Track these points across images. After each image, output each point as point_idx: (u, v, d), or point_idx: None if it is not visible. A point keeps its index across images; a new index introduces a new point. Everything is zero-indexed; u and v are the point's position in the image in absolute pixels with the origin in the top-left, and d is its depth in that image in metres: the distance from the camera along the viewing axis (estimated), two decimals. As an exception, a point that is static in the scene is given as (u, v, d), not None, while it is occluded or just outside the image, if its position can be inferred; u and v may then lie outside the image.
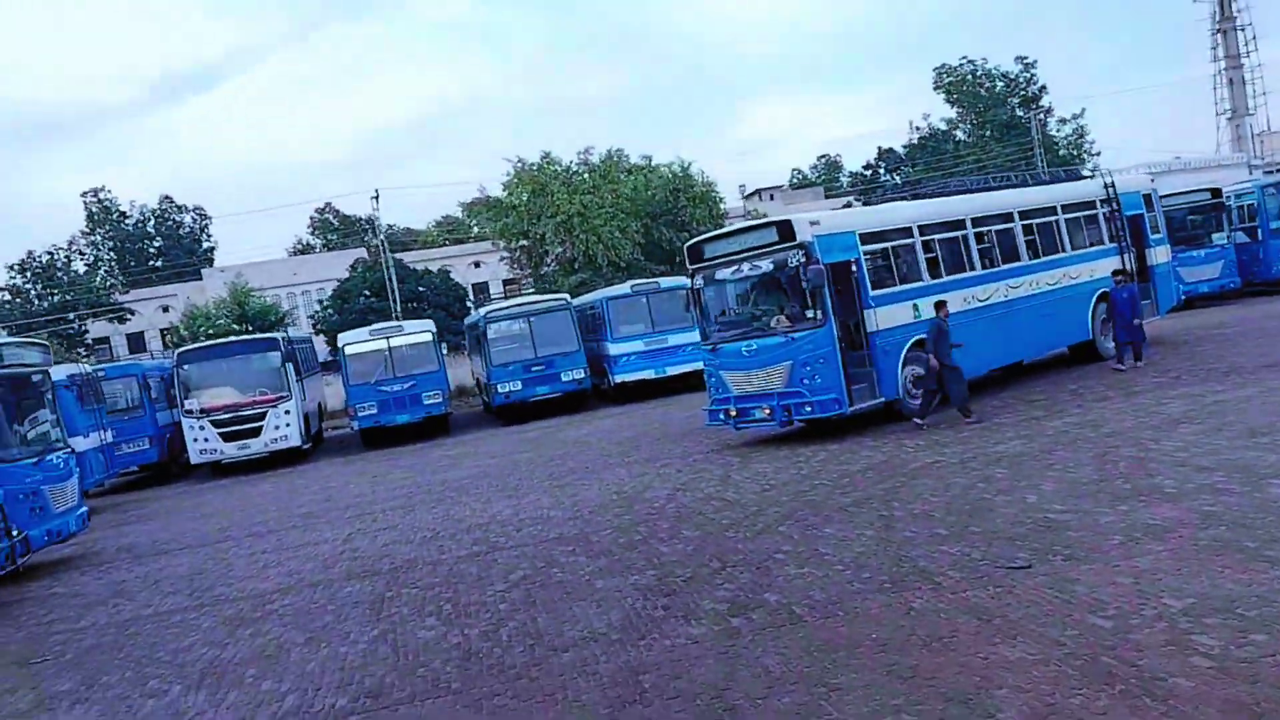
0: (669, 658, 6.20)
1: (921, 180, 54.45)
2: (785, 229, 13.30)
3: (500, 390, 24.70)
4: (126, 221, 76.64)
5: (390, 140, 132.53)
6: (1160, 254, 18.70)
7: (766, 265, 13.61)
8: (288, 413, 23.37)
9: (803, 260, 12.96)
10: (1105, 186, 17.32)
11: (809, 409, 13.22)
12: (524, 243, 37.91)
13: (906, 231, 14.49)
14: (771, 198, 72.32)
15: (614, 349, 25.53)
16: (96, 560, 13.85)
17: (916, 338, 13.75)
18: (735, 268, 14.01)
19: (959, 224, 15.15)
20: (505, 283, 51.20)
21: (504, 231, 37.82)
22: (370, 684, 6.64)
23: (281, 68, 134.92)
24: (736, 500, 10.67)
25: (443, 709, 6.00)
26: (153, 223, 77.65)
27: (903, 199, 16.92)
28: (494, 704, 5.93)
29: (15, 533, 11.63)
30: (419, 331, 25.14)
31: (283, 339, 24.26)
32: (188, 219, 79.39)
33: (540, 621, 7.40)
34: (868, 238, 13.92)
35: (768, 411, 13.49)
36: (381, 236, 42.32)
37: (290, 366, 23.74)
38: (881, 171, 65.00)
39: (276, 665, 7.42)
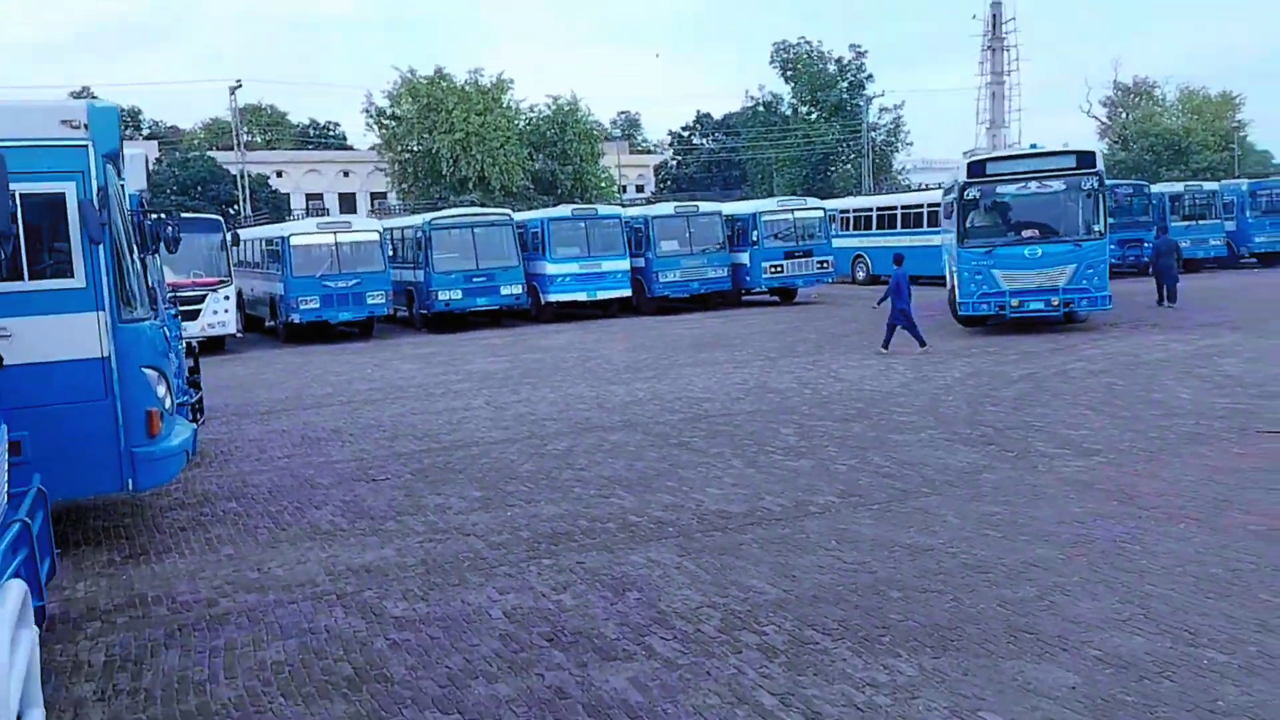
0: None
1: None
2: (1086, 158, 16.63)
3: (440, 297, 24.81)
4: None
5: (100, 35, 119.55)
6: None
7: (1058, 185, 16.61)
8: (227, 298, 22.40)
9: (1096, 185, 16.32)
10: None
11: (1086, 303, 16.55)
12: (408, 155, 37.05)
13: None
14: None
15: (551, 268, 26.26)
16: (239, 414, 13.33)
17: None
18: (1022, 184, 16.71)
19: None
20: (373, 195, 49.35)
21: (390, 142, 36.83)
22: (863, 483, 7.77)
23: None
24: (918, 388, 12.32)
25: (952, 500, 7.31)
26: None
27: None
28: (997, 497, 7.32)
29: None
30: (367, 230, 24.65)
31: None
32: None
33: (900, 455, 8.76)
34: None
35: (1055, 303, 16.48)
36: (239, 140, 39.57)
37: (230, 250, 22.76)
38: (696, 136, 68.53)
39: (715, 475, 8.23)
